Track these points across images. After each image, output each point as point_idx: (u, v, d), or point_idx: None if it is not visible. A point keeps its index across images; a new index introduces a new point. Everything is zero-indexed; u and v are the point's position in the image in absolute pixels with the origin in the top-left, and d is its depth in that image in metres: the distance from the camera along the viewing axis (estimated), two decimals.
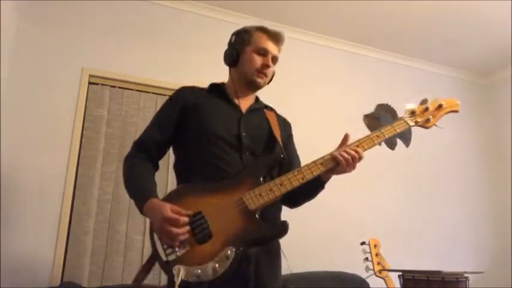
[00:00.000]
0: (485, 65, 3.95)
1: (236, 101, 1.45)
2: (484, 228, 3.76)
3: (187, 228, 1.17)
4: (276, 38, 1.47)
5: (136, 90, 2.79)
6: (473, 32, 3.41)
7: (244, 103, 1.47)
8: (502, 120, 3.93)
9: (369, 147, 1.35)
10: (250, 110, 1.46)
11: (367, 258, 2.32)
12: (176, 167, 1.43)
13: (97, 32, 2.79)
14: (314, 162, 1.29)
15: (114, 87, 2.76)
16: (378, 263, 2.30)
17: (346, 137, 1.33)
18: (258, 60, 1.43)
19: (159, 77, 2.82)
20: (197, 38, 3.04)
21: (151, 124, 1.45)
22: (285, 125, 1.55)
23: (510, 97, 3.88)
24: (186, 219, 1.17)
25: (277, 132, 1.44)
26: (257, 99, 1.56)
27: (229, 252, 1.15)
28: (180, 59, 2.92)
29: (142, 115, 2.75)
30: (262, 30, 1.47)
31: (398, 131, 1.40)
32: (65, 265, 2.37)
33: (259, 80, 1.45)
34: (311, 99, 3.33)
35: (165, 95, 2.58)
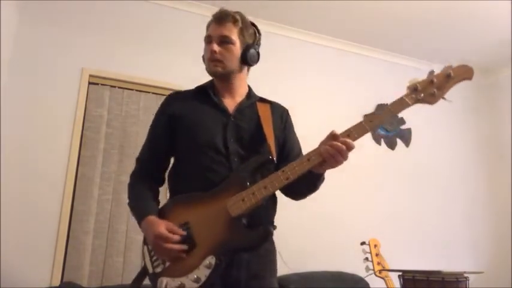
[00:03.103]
0: (485, 64, 3.95)
1: (223, 101, 1.38)
2: (484, 228, 3.76)
3: (182, 246, 1.17)
4: (217, 17, 1.36)
5: (136, 90, 2.79)
6: (473, 31, 3.41)
7: (233, 100, 1.39)
8: (502, 120, 3.93)
9: (361, 135, 1.19)
10: (239, 108, 1.37)
11: (367, 258, 2.32)
12: (169, 176, 1.41)
13: (97, 32, 2.79)
14: (301, 159, 1.20)
15: (114, 87, 2.76)
16: (378, 263, 2.30)
17: (331, 134, 1.18)
18: (207, 49, 1.36)
19: (159, 77, 2.82)
20: (197, 38, 3.03)
21: (147, 140, 1.44)
22: (281, 115, 1.45)
23: (510, 97, 3.88)
24: (177, 237, 1.17)
25: (268, 129, 1.35)
26: (249, 92, 1.45)
27: (208, 261, 1.15)
28: (180, 59, 2.92)
29: (142, 115, 2.75)
30: (210, 21, 1.39)
31: (394, 112, 1.20)
32: (65, 265, 2.37)
33: (215, 68, 1.34)
34: (306, 97, 3.32)
35: (165, 95, 2.58)
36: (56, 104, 2.58)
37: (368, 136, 3.48)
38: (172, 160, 1.43)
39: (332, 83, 3.49)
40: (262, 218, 1.26)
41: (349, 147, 1.16)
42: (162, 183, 1.43)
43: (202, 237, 1.19)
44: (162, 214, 1.27)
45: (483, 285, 2.85)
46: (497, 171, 3.89)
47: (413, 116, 3.66)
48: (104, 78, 2.73)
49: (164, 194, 1.52)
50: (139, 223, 1.27)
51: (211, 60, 1.34)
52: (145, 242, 1.29)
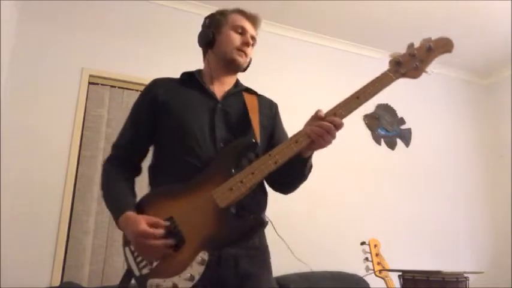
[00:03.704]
0: (485, 65, 3.95)
1: (211, 87, 1.34)
2: (484, 228, 3.76)
3: (168, 241, 1.09)
4: (253, 18, 1.39)
5: (136, 90, 2.78)
6: (473, 32, 3.41)
7: (221, 89, 1.36)
8: (502, 120, 3.93)
9: (349, 113, 1.15)
10: (227, 95, 1.35)
11: (367, 258, 2.32)
12: (150, 166, 1.34)
13: (97, 32, 2.79)
14: (288, 141, 1.15)
15: (114, 87, 2.75)
16: (378, 263, 2.30)
17: (316, 113, 1.17)
18: (237, 38, 1.35)
19: (159, 77, 2.81)
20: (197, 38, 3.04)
21: (127, 124, 1.36)
22: (270, 108, 1.44)
23: (510, 97, 3.88)
24: (161, 231, 1.09)
25: (254, 117, 1.31)
26: (237, 82, 1.43)
27: (201, 257, 1.07)
28: (180, 59, 2.90)
29: None
30: (239, 11, 1.39)
31: (380, 87, 1.16)
32: (65, 265, 2.37)
33: (240, 59, 1.34)
34: (304, 97, 3.32)
35: None
36: (56, 104, 2.58)
37: (368, 136, 3.50)
38: (151, 153, 1.36)
39: (332, 83, 3.49)
40: (252, 206, 1.20)
41: (338, 126, 1.13)
42: (139, 172, 1.35)
43: (190, 231, 1.11)
44: (141, 209, 1.17)
45: (483, 285, 2.84)
46: (497, 171, 3.89)
47: (413, 116, 3.66)
48: (104, 78, 2.73)
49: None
50: (116, 219, 1.17)
51: (240, 50, 1.34)
52: (126, 243, 1.18)
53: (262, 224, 1.14)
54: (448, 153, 3.79)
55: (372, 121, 3.54)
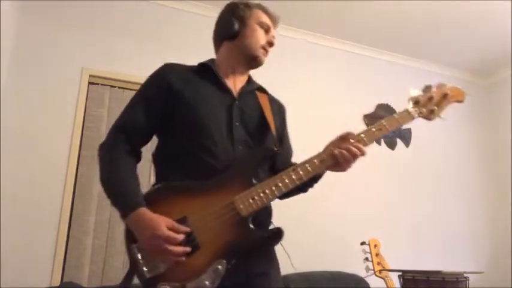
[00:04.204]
0: (485, 65, 3.95)
1: (228, 83, 1.28)
2: (484, 228, 3.76)
3: (186, 249, 1.03)
4: (276, 20, 1.37)
5: (136, 90, 2.78)
6: (473, 32, 3.41)
7: (236, 84, 1.30)
8: (502, 120, 3.93)
9: (371, 142, 1.20)
10: (242, 93, 1.29)
11: (367, 258, 2.33)
12: (157, 156, 1.25)
13: (97, 32, 2.79)
14: (311, 159, 1.15)
15: (114, 87, 2.75)
16: (378, 263, 2.30)
17: (347, 135, 1.18)
18: (263, 35, 1.31)
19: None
20: (197, 38, 3.03)
21: (135, 106, 1.24)
22: (279, 110, 1.40)
23: (510, 97, 3.88)
24: (182, 236, 1.03)
25: (270, 120, 1.28)
26: (249, 78, 1.38)
27: (220, 266, 1.02)
28: (180, 59, 2.91)
29: None
30: (263, 8, 1.36)
31: (402, 123, 1.27)
32: (65, 265, 2.37)
33: (263, 57, 1.31)
34: (309, 98, 3.32)
35: None
36: (56, 104, 2.58)
37: None
38: (159, 143, 1.27)
39: (333, 83, 3.49)
40: (263, 215, 1.17)
41: (362, 154, 1.17)
42: (140, 159, 1.24)
43: (206, 236, 1.06)
44: (151, 203, 1.08)
45: (483, 285, 2.84)
46: (497, 172, 3.89)
47: None
48: (104, 78, 2.73)
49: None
50: (125, 214, 1.07)
51: (263, 49, 1.31)
52: (130, 239, 1.08)
53: (282, 235, 1.11)
54: (448, 153, 3.79)
55: (372, 121, 3.53)
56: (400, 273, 1.77)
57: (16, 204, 2.35)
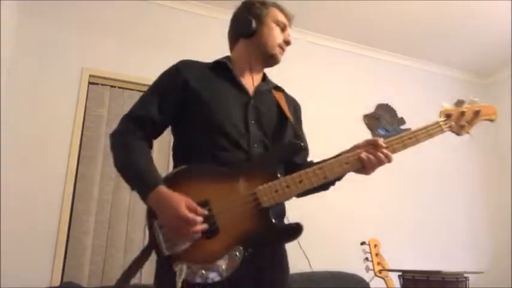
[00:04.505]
0: (485, 65, 3.95)
1: (244, 81, 1.28)
2: (484, 228, 3.76)
3: (204, 226, 1.04)
4: (291, 18, 1.38)
5: (137, 90, 2.79)
6: (473, 32, 3.41)
7: (251, 82, 1.30)
8: (502, 120, 3.93)
9: (399, 151, 1.23)
10: (258, 91, 1.30)
11: (367, 258, 2.32)
12: (175, 150, 1.27)
13: (97, 32, 2.79)
14: (338, 160, 1.16)
15: (114, 87, 2.75)
16: (378, 263, 2.30)
17: (376, 141, 1.19)
18: (280, 34, 1.32)
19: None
20: (198, 38, 3.04)
21: (151, 97, 1.23)
22: (295, 108, 1.41)
23: (510, 97, 3.88)
24: (200, 218, 1.03)
25: (290, 118, 1.30)
26: (264, 76, 1.39)
27: (237, 253, 1.04)
28: (180, 59, 2.92)
29: None
30: (279, 7, 1.36)
31: (432, 135, 1.26)
32: (65, 265, 2.37)
33: (280, 56, 1.32)
34: (316, 100, 3.32)
35: None
36: (56, 104, 2.58)
37: (369, 136, 3.50)
38: (175, 137, 1.28)
39: (333, 84, 3.49)
40: (278, 211, 1.18)
41: (389, 161, 1.19)
42: (152, 148, 1.25)
43: (226, 223, 1.07)
44: (174, 184, 1.09)
45: (483, 285, 2.84)
46: (497, 171, 3.89)
47: (412, 116, 3.66)
48: (104, 78, 2.73)
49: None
50: (145, 193, 1.07)
51: (280, 47, 1.32)
52: (152, 215, 1.09)
53: (301, 231, 1.11)
54: (447, 153, 3.79)
55: (372, 121, 3.54)
56: (400, 273, 1.77)
57: (16, 204, 2.35)
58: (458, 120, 1.28)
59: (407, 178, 3.52)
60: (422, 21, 3.29)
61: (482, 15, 3.17)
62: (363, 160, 1.16)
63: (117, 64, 2.77)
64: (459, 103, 1.29)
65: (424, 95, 3.82)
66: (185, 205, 1.03)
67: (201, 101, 1.20)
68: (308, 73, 3.41)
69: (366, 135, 3.48)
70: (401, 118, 3.63)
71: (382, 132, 3.54)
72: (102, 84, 2.72)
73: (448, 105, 1.29)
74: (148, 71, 2.87)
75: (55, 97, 2.59)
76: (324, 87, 3.43)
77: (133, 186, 1.13)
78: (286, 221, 1.22)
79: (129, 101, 2.75)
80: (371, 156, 1.16)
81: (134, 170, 1.13)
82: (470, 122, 1.31)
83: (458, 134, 1.30)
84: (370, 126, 3.52)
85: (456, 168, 3.79)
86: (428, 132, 1.25)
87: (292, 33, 1.30)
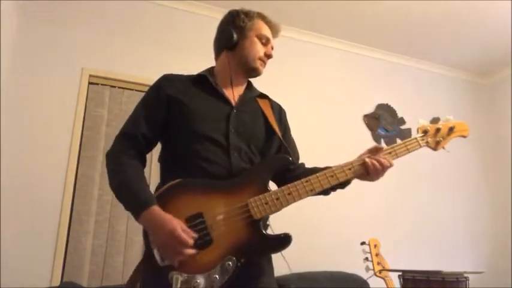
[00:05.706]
0: (485, 65, 3.95)
1: (226, 93, 1.32)
2: (484, 228, 3.76)
3: (194, 251, 1.09)
4: (276, 30, 1.40)
5: (136, 90, 2.79)
6: (473, 31, 3.41)
7: (234, 91, 1.34)
8: (502, 120, 3.93)
9: (397, 157, 1.34)
10: (242, 100, 1.33)
11: (367, 258, 2.32)
12: (162, 160, 1.31)
13: (97, 32, 2.79)
14: (342, 167, 1.24)
15: (114, 87, 2.76)
16: (378, 263, 2.30)
17: (376, 147, 1.29)
18: (261, 48, 1.34)
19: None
20: (197, 38, 3.04)
21: (139, 115, 1.27)
22: (280, 115, 1.44)
23: (510, 97, 3.88)
24: (192, 241, 1.08)
25: (275, 127, 1.33)
26: (249, 85, 1.42)
27: (230, 263, 1.09)
28: (180, 60, 2.92)
29: None
30: (264, 19, 1.39)
31: (410, 151, 1.36)
32: (65, 265, 2.37)
33: (261, 68, 1.35)
34: (308, 98, 3.32)
35: None
36: (56, 104, 2.58)
37: (368, 136, 3.50)
38: (162, 148, 1.33)
39: (333, 84, 3.49)
40: (267, 220, 1.23)
41: (391, 165, 1.27)
42: (145, 165, 1.29)
43: (219, 233, 1.11)
44: (167, 199, 1.14)
45: (483, 285, 2.84)
46: (497, 171, 3.89)
47: (413, 116, 3.66)
48: (104, 78, 2.74)
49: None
50: (138, 213, 1.11)
51: (261, 60, 1.35)
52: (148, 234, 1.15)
53: (290, 241, 1.15)
54: (447, 153, 3.78)
55: (372, 121, 3.54)
56: (400, 273, 1.77)
57: (16, 204, 2.35)
58: (434, 136, 1.38)
59: (408, 178, 3.52)
60: (422, 21, 3.29)
61: (482, 15, 3.17)
62: (369, 165, 1.24)
63: (117, 64, 2.77)
64: (434, 120, 1.40)
65: (424, 95, 3.82)
66: (180, 227, 1.07)
67: (183, 114, 1.25)
68: (304, 72, 3.41)
69: (364, 134, 3.48)
70: (402, 118, 3.63)
71: (382, 132, 3.54)
72: (102, 84, 2.72)
73: (425, 122, 1.40)
74: (149, 71, 2.88)
75: (55, 97, 2.59)
76: (322, 87, 3.43)
77: (126, 207, 1.17)
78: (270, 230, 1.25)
79: (129, 101, 2.76)
80: (376, 163, 1.24)
81: (126, 191, 1.17)
82: (446, 138, 1.40)
83: (434, 149, 1.40)
84: (370, 126, 3.52)
85: (456, 168, 3.79)
86: (406, 147, 1.33)
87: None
